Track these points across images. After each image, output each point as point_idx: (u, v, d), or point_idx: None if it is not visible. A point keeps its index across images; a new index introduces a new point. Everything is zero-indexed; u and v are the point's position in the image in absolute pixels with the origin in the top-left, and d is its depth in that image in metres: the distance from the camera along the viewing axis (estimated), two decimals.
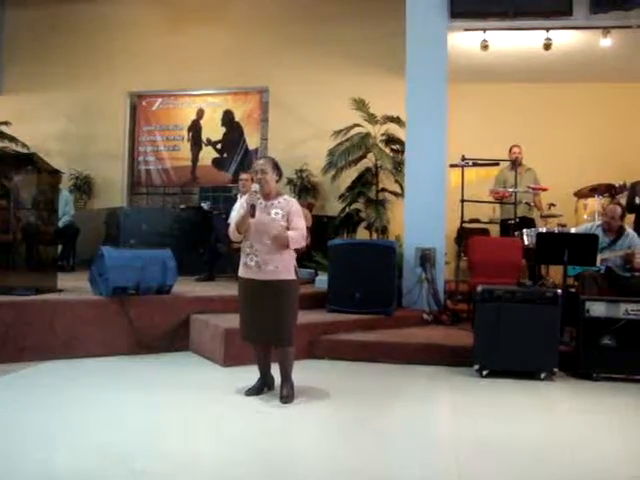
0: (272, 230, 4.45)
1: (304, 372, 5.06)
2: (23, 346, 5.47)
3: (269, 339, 4.61)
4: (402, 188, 8.65)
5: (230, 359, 5.51)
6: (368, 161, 9.75)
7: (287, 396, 4.53)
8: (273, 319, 4.50)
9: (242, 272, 4.62)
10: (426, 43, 7.53)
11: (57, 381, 4.99)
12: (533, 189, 8.38)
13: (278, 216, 4.52)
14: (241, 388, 4.71)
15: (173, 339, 6.10)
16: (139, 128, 11.45)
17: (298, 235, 4.51)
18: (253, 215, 4.45)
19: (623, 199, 8.14)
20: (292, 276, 4.59)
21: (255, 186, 4.53)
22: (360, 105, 9.47)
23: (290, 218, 4.54)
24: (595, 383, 5.35)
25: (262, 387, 4.74)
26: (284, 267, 4.53)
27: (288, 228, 4.52)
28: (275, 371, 4.73)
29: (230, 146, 11.08)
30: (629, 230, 6.70)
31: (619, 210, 6.65)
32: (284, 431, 4.02)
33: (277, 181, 4.68)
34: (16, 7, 11.17)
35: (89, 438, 3.69)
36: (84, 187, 11.07)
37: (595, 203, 8.40)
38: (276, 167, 4.65)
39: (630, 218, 7.81)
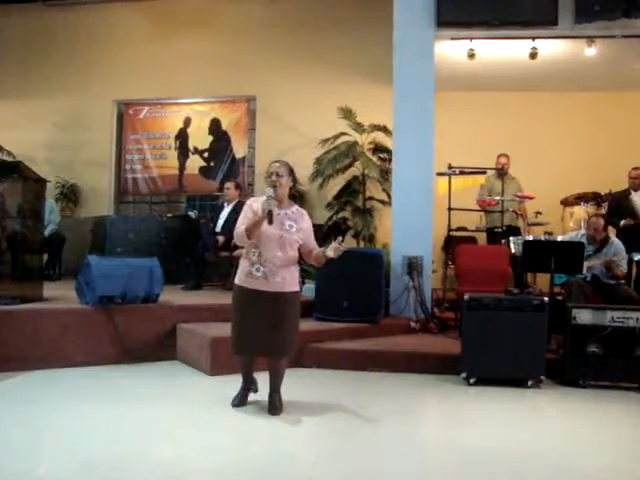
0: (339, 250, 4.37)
1: (292, 381, 5.02)
2: (8, 356, 5.41)
3: (268, 350, 4.44)
4: (389, 196, 8.65)
5: (217, 368, 5.47)
6: (355, 170, 9.75)
7: (277, 407, 4.44)
8: (275, 331, 4.35)
9: (244, 281, 4.41)
10: (413, 52, 7.55)
11: (42, 391, 4.94)
12: (520, 197, 8.43)
13: (292, 229, 4.40)
14: (228, 398, 4.65)
15: (160, 348, 6.06)
16: (126, 136, 11.38)
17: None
18: (270, 222, 4.24)
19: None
20: (296, 288, 4.51)
21: (270, 190, 4.31)
22: (347, 114, 9.48)
23: (307, 236, 4.48)
24: (582, 390, 5.37)
25: (247, 393, 4.66)
26: (291, 279, 4.43)
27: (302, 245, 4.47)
28: (261, 381, 4.70)
29: (217, 155, 11.04)
30: (613, 238, 6.77)
31: (602, 222, 6.71)
32: (271, 441, 3.99)
33: (291, 188, 4.58)
34: (2, 15, 11.11)
35: (73, 450, 3.65)
36: (70, 195, 10.99)
37: (581, 211, 8.47)
38: (291, 173, 4.52)
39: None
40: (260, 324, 4.35)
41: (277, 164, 4.50)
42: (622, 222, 7.66)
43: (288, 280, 4.40)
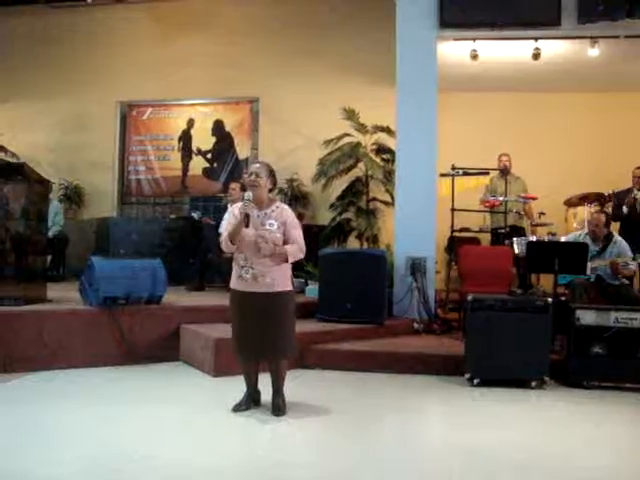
0: (267, 248, 4.29)
1: (294, 382, 5.04)
2: (11, 356, 5.42)
3: (266, 353, 4.46)
4: (392, 197, 8.66)
5: (220, 369, 5.47)
6: (358, 170, 9.75)
7: (280, 408, 4.43)
8: (271, 332, 4.37)
9: (236, 284, 4.45)
10: (416, 53, 7.57)
11: (45, 392, 4.95)
12: (523, 198, 8.42)
13: (273, 227, 4.36)
14: (232, 399, 4.62)
15: (163, 349, 6.06)
16: (129, 138, 11.40)
17: (296, 249, 4.40)
18: (247, 225, 4.27)
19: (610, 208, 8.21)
20: (289, 287, 4.50)
21: (248, 194, 4.32)
22: (350, 115, 9.48)
23: (287, 230, 4.41)
24: (586, 391, 5.36)
25: (250, 403, 4.59)
26: (281, 278, 4.41)
27: (284, 240, 4.40)
28: (263, 383, 4.69)
29: (220, 156, 11.05)
30: (617, 237, 6.73)
31: (603, 218, 6.68)
32: (273, 442, 3.99)
33: (271, 190, 4.52)
34: (6, 17, 11.12)
35: (74, 450, 3.65)
36: (74, 197, 11.00)
37: (585, 212, 8.44)
38: (271, 174, 4.47)
39: (616, 226, 7.82)
40: (256, 326, 4.37)
41: (257, 165, 4.53)
42: (624, 208, 7.69)
43: (278, 280, 4.39)
